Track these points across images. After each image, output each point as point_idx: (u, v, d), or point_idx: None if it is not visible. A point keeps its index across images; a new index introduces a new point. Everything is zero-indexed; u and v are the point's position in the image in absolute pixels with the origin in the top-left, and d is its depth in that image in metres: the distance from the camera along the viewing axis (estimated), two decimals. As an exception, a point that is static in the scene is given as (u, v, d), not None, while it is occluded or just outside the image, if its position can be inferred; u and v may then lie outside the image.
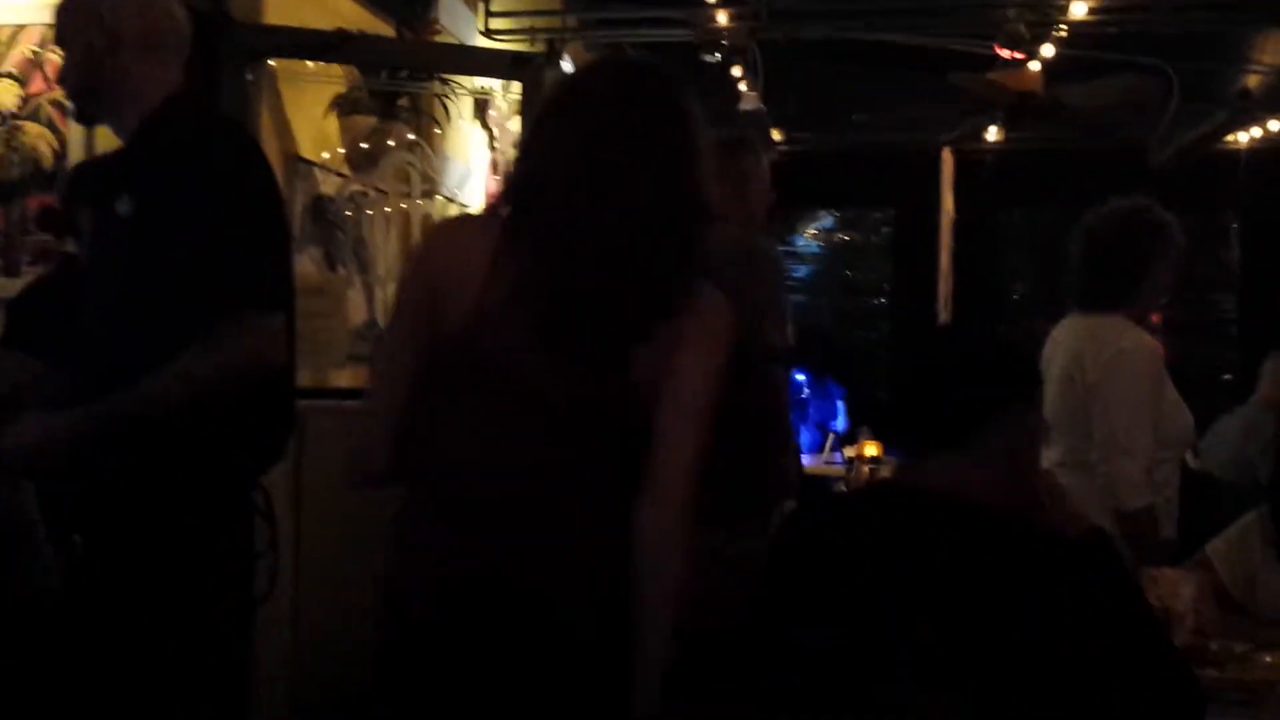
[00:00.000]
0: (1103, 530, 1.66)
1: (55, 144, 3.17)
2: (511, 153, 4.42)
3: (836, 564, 1.55)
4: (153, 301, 1.84)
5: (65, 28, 1.98)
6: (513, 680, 1.52)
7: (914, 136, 7.07)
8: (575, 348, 1.49)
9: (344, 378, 3.56)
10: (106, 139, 2.27)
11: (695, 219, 1.54)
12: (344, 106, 3.98)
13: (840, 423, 6.32)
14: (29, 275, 3.08)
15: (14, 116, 3.19)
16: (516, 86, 4.08)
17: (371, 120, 3.98)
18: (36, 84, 3.18)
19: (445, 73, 4.31)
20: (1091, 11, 4.91)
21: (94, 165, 2.91)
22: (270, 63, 3.67)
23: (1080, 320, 2.74)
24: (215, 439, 1.84)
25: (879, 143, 6.88)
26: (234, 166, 1.88)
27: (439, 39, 4.58)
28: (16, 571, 2.54)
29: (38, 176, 3.18)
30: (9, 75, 3.19)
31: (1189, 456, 3.59)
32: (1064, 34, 5.07)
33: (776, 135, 6.03)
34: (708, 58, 5.36)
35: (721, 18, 5.22)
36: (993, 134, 6.85)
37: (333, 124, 4.01)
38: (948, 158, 7.60)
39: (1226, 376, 7.57)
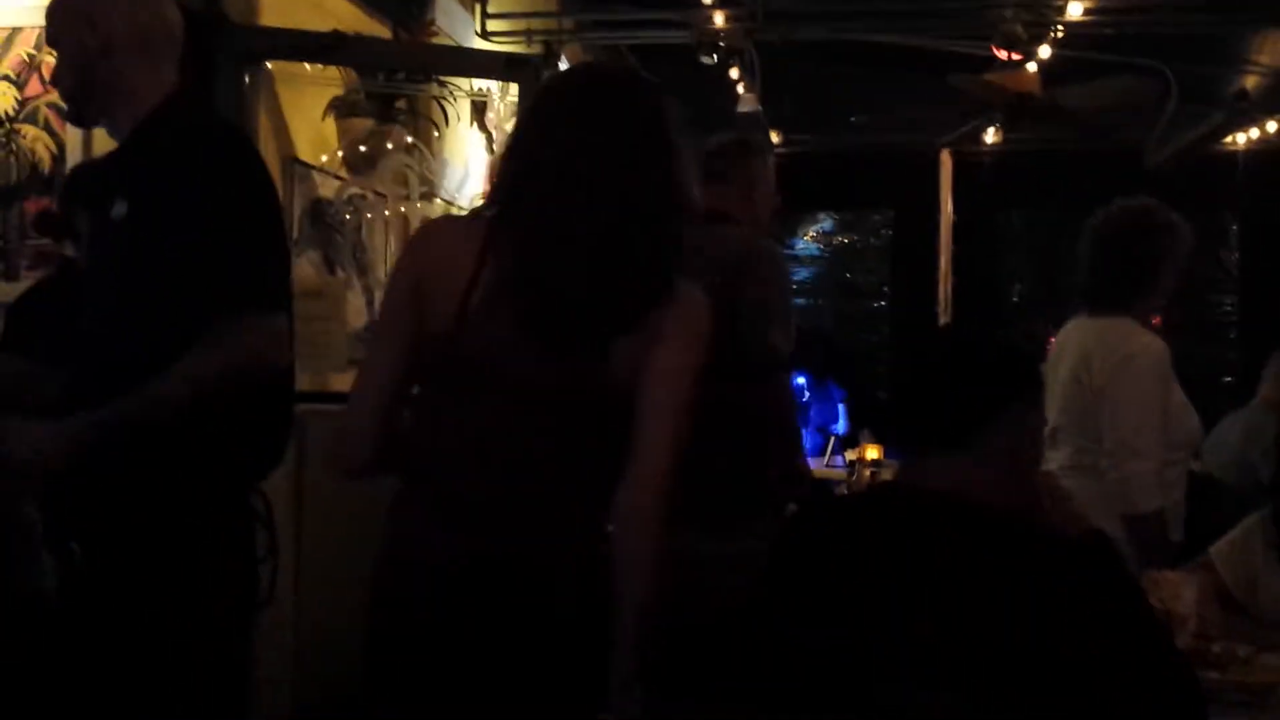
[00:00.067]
0: (1103, 531, 1.66)
1: (53, 147, 3.17)
2: (507, 155, 4.41)
3: (837, 564, 1.55)
4: (150, 304, 1.83)
5: (56, 29, 1.98)
6: (505, 665, 1.57)
7: (912, 138, 7.07)
8: (558, 342, 1.55)
9: (344, 381, 3.55)
10: (104, 142, 2.26)
11: (673, 217, 1.60)
12: (341, 109, 3.98)
13: (841, 425, 6.31)
14: (28, 279, 3.07)
15: (11, 120, 3.18)
16: (514, 88, 4.07)
17: (369, 123, 3.98)
18: (33, 87, 3.17)
19: (442, 74, 4.30)
20: (1088, 12, 4.91)
21: (90, 168, 2.90)
22: (267, 65, 3.67)
23: (1088, 322, 2.73)
24: (215, 441, 1.84)
25: (877, 144, 6.89)
26: (229, 167, 1.88)
27: (435, 41, 4.57)
28: (14, 571, 2.53)
29: (36, 180, 3.17)
30: (5, 78, 3.19)
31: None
32: (1061, 35, 5.08)
33: (774, 137, 6.04)
34: (705, 59, 5.36)
35: (718, 19, 5.22)
36: (991, 135, 6.86)
37: (330, 127, 4.00)
38: (946, 159, 7.60)
39: (1227, 378, 7.57)
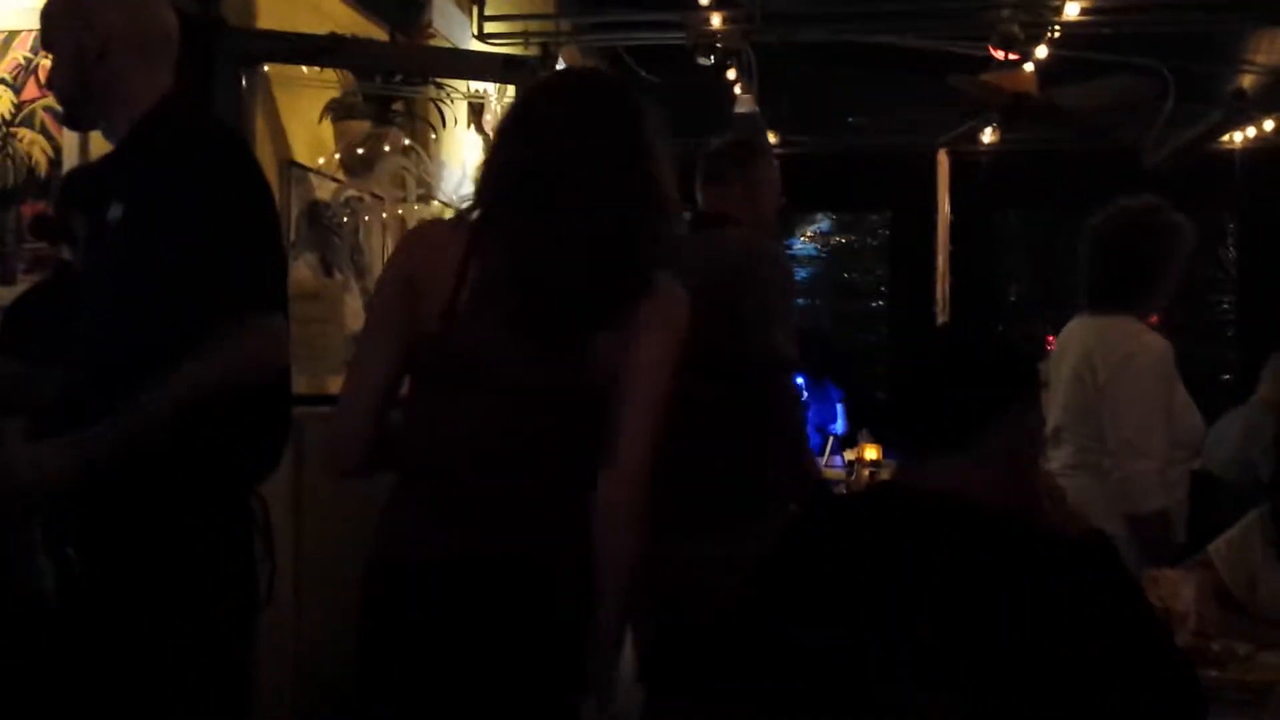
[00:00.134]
0: (1102, 531, 1.66)
1: (50, 151, 3.16)
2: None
3: (836, 565, 1.55)
4: (146, 306, 1.83)
5: (52, 31, 1.97)
6: (500, 663, 1.61)
7: (910, 138, 7.07)
8: (542, 338, 1.60)
9: (341, 384, 3.54)
10: (101, 145, 2.26)
11: (652, 215, 1.64)
12: (339, 111, 3.97)
13: (839, 426, 6.31)
14: (25, 283, 3.07)
15: (7, 123, 3.18)
16: (511, 90, 4.07)
17: (366, 125, 3.98)
18: (30, 90, 3.17)
19: (439, 76, 4.30)
20: (1085, 12, 4.91)
21: (86, 171, 2.90)
22: (264, 68, 3.67)
23: (1090, 321, 2.73)
24: (213, 444, 1.83)
25: (875, 145, 6.89)
26: (224, 169, 1.87)
27: (433, 43, 4.57)
28: (13, 573, 2.53)
29: (33, 183, 3.17)
30: (2, 82, 3.18)
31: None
32: (1058, 35, 5.08)
33: (772, 138, 6.03)
34: (702, 61, 5.36)
35: (715, 21, 5.22)
36: (988, 136, 6.86)
37: (327, 129, 4.00)
38: (944, 159, 7.60)
39: (1225, 377, 7.58)
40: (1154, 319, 2.77)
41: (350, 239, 4.10)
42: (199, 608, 1.83)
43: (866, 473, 4.47)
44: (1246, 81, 6.13)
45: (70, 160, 3.11)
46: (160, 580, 1.81)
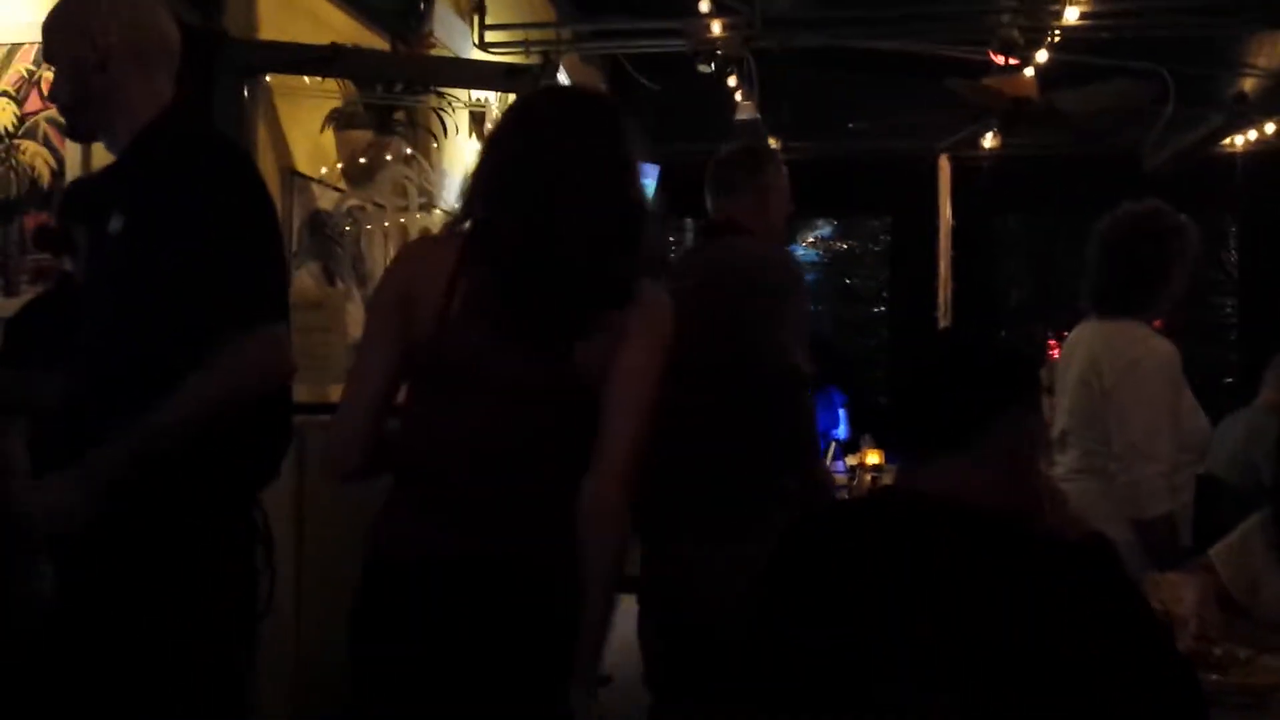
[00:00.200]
0: (1103, 534, 1.66)
1: (53, 162, 3.17)
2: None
3: (837, 567, 1.55)
4: (148, 316, 1.83)
5: (54, 44, 1.98)
6: (498, 661, 1.67)
7: (911, 143, 7.08)
8: (529, 342, 1.67)
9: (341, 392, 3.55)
10: (103, 156, 2.27)
11: (632, 226, 1.73)
12: (340, 121, 3.99)
13: (842, 430, 6.31)
14: (28, 294, 3.08)
15: (10, 135, 3.19)
16: (512, 99, 4.08)
17: (368, 135, 3.99)
18: (33, 102, 3.18)
19: (440, 85, 4.31)
20: (1085, 16, 4.92)
21: (88, 182, 2.91)
22: (265, 78, 3.68)
23: (1097, 325, 2.73)
24: (214, 453, 1.84)
25: (876, 150, 6.90)
26: (225, 179, 1.88)
27: (433, 52, 4.59)
28: (12, 578, 2.53)
29: (35, 195, 3.18)
30: (5, 94, 3.20)
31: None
32: (1058, 39, 5.08)
33: (773, 144, 6.04)
34: (702, 68, 5.37)
35: (716, 28, 5.23)
36: (989, 140, 6.86)
37: (329, 139, 4.01)
38: (945, 164, 7.61)
39: (1227, 379, 7.57)
40: (1157, 323, 2.77)
41: (352, 248, 4.11)
42: (198, 616, 1.83)
43: (869, 478, 4.47)
44: (1247, 85, 6.13)
45: (73, 172, 3.13)
46: (159, 588, 1.81)
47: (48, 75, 3.06)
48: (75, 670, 1.85)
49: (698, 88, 5.68)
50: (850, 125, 6.48)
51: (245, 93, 3.52)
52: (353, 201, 4.07)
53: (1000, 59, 5.06)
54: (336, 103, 3.99)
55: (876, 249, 11.14)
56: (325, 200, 3.99)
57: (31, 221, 3.16)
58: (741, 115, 5.83)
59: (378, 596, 1.74)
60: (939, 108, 5.65)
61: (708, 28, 5.24)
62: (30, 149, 3.18)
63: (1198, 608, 2.02)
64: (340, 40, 3.76)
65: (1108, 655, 1.43)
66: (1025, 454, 1.60)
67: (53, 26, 1.98)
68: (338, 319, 3.73)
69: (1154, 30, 5.25)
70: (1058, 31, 5.04)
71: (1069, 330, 2.93)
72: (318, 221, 3.97)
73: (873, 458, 4.61)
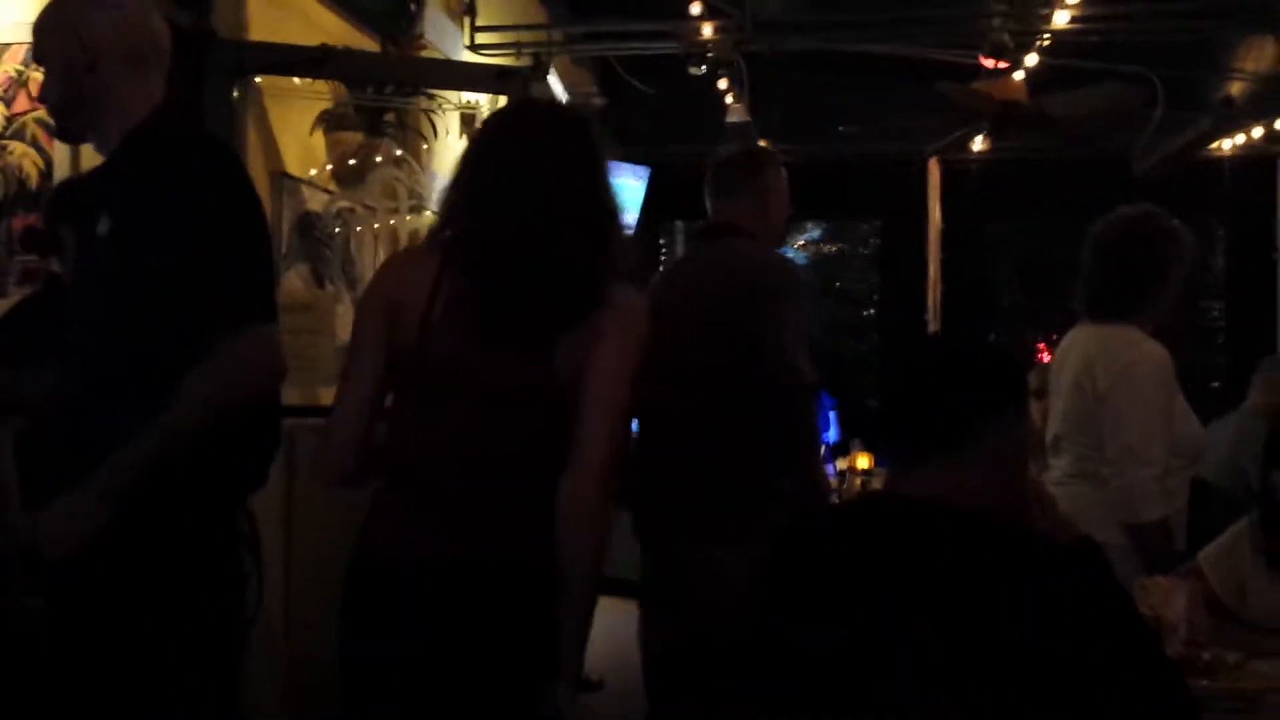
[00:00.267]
0: (1092, 539, 1.66)
1: (41, 163, 3.16)
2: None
3: (829, 570, 1.55)
4: (137, 317, 1.82)
5: (43, 44, 1.97)
6: (486, 660, 1.72)
7: (900, 146, 7.09)
8: (507, 346, 1.74)
9: (332, 395, 3.54)
10: (92, 157, 2.26)
11: (604, 233, 1.79)
12: (330, 123, 3.98)
13: (832, 434, 6.31)
14: (16, 296, 3.06)
15: (-1, 136, 3.18)
16: (503, 101, 4.08)
17: (358, 136, 3.98)
18: (21, 103, 3.17)
19: (431, 87, 4.31)
20: (1074, 20, 4.93)
21: (76, 183, 2.90)
22: (255, 79, 3.67)
23: (1091, 330, 2.73)
24: (203, 458, 1.82)
25: (865, 153, 6.90)
26: (213, 180, 1.87)
27: (424, 54, 4.58)
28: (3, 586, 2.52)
29: (24, 196, 3.16)
30: (-7, 94, 3.18)
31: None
32: (1048, 43, 5.10)
33: (763, 146, 6.05)
34: (693, 70, 5.37)
35: (707, 30, 5.24)
36: (979, 143, 6.88)
37: (319, 140, 4.00)
38: (934, 168, 7.63)
39: (1215, 383, 7.60)
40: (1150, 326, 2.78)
41: (342, 250, 4.10)
42: (187, 621, 1.82)
43: (858, 481, 4.47)
44: (1235, 89, 6.16)
45: (61, 173, 3.11)
46: (148, 593, 1.80)
47: (36, 76, 3.05)
48: (63, 676, 1.84)
49: (689, 90, 5.68)
50: (840, 128, 6.48)
51: (235, 93, 3.51)
52: (342, 203, 4.06)
53: (990, 63, 5.07)
54: (326, 104, 3.98)
55: (866, 252, 11.17)
56: (315, 202, 3.98)
57: (19, 223, 3.14)
58: (732, 118, 5.84)
59: (368, 597, 1.78)
60: (929, 111, 5.66)
61: (699, 30, 5.24)
62: (18, 150, 3.16)
63: (1187, 613, 2.03)
64: (330, 41, 3.75)
65: (1096, 660, 1.43)
66: (1014, 457, 1.61)
67: (43, 27, 1.97)
68: (327, 321, 3.72)
69: (1143, 34, 5.27)
70: (1047, 35, 5.05)
71: (1058, 333, 2.94)
72: (307, 223, 3.95)
73: (862, 461, 4.62)
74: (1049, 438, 2.81)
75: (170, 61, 2.01)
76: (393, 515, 1.79)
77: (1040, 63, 5.12)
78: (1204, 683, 1.87)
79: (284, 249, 3.78)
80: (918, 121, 6.12)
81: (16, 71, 3.16)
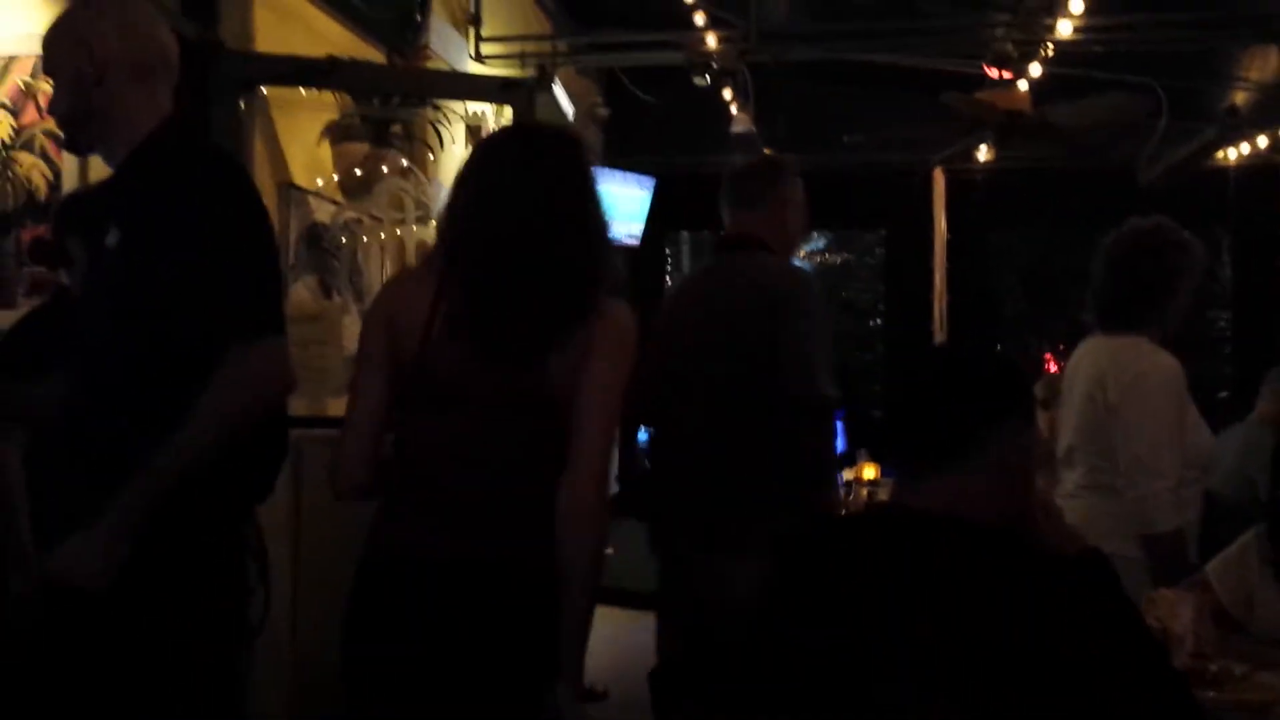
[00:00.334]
0: (1099, 550, 1.66)
1: (49, 174, 3.17)
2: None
3: (833, 583, 1.55)
4: (147, 331, 1.83)
5: (52, 57, 1.98)
6: (483, 649, 1.79)
7: (905, 156, 7.09)
8: (503, 360, 1.82)
9: (340, 406, 3.53)
10: (100, 169, 2.27)
11: (593, 250, 1.88)
12: (337, 133, 3.99)
13: (838, 444, 6.30)
14: (25, 307, 3.07)
15: (7, 147, 3.19)
16: (509, 111, 4.09)
17: (364, 147, 3.99)
18: (29, 114, 3.18)
19: (436, 98, 4.32)
20: (1078, 31, 4.94)
21: (84, 195, 2.91)
22: (262, 90, 3.68)
23: (1102, 341, 2.73)
24: (209, 471, 1.83)
25: (870, 163, 6.90)
26: (221, 192, 1.87)
27: (430, 64, 4.60)
28: (7, 599, 2.52)
29: (32, 208, 3.17)
30: (1, 106, 3.19)
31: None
32: (1052, 53, 5.10)
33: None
34: (698, 81, 5.39)
35: (711, 41, 5.25)
36: (983, 153, 6.88)
37: (326, 151, 4.02)
38: (939, 177, 7.63)
39: (1222, 393, 7.59)
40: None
41: (349, 261, 4.11)
42: (192, 632, 1.82)
43: (865, 492, 4.47)
44: (1239, 98, 6.16)
45: (69, 184, 3.12)
46: (151, 605, 1.80)
47: (44, 87, 3.07)
48: (69, 686, 1.84)
49: (693, 100, 5.69)
50: (845, 138, 6.49)
51: (241, 105, 3.53)
52: (349, 214, 4.07)
53: (994, 72, 5.08)
54: (333, 115, 3.99)
55: (871, 262, 11.17)
56: (322, 213, 3.99)
57: (27, 234, 3.16)
58: (737, 128, 5.85)
59: (374, 596, 1.86)
60: (933, 121, 5.66)
61: (703, 41, 5.25)
62: (27, 161, 3.18)
63: (1194, 624, 2.02)
64: (337, 53, 3.76)
65: (1104, 671, 1.43)
66: (1020, 467, 1.61)
67: (53, 40, 1.98)
68: (334, 332, 3.72)
69: (1147, 44, 5.28)
70: (1051, 45, 5.06)
71: (1064, 343, 2.95)
72: (314, 234, 3.97)
73: (869, 472, 4.61)
74: (1061, 449, 2.81)
75: (178, 73, 2.02)
76: (399, 517, 1.88)
77: (1044, 73, 5.13)
78: (1211, 694, 1.86)
79: (291, 260, 3.79)
80: (922, 131, 6.12)
81: (24, 83, 3.18)
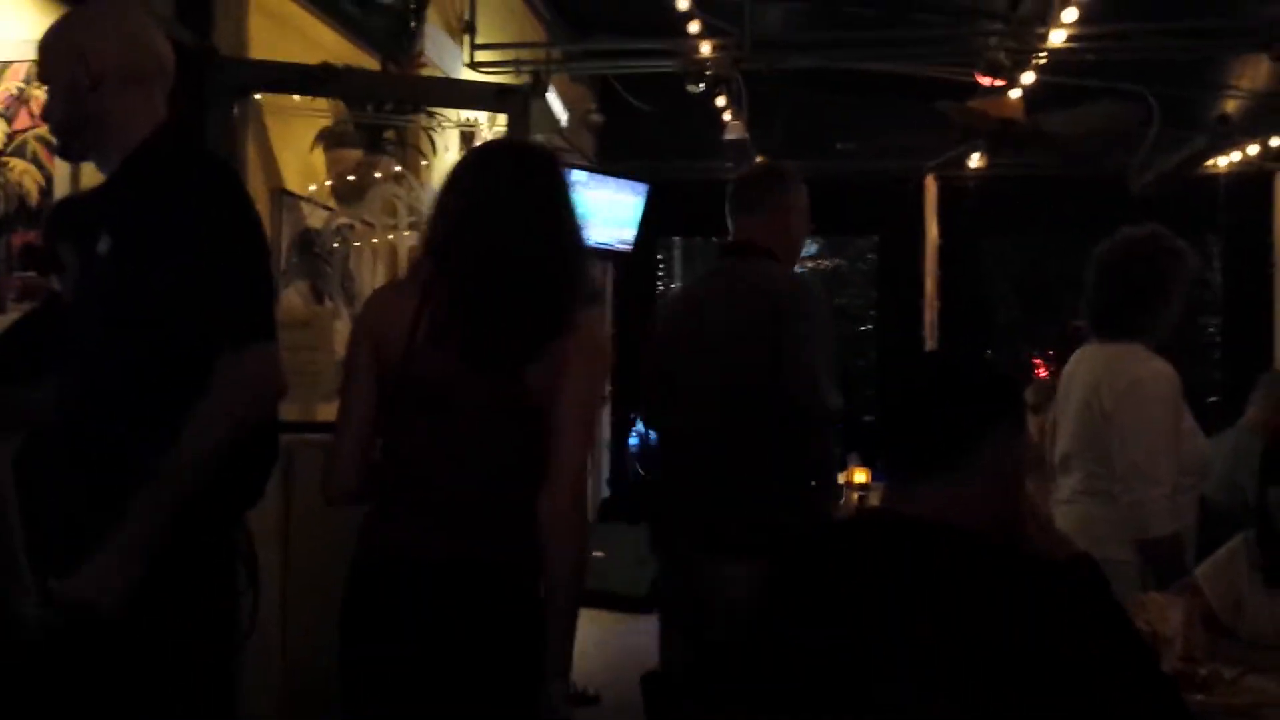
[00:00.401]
0: (1089, 555, 1.67)
1: (41, 180, 3.17)
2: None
3: (828, 588, 1.56)
4: (139, 337, 1.83)
5: (47, 64, 1.98)
6: (472, 647, 1.85)
7: (898, 163, 7.11)
8: (482, 369, 1.89)
9: (331, 411, 3.53)
10: (92, 175, 2.27)
11: (568, 264, 1.95)
12: (330, 140, 3.99)
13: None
14: (15, 312, 3.07)
15: (0, 153, 3.19)
16: (502, 118, 4.10)
17: (358, 153, 3.99)
18: (22, 120, 3.18)
19: (431, 105, 4.33)
20: (1071, 39, 4.96)
21: (76, 201, 2.91)
22: (256, 96, 3.68)
23: (1097, 349, 2.74)
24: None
25: (863, 170, 6.92)
26: (213, 199, 1.88)
27: (424, 72, 4.60)
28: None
29: (24, 213, 3.17)
30: (-6, 112, 3.20)
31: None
32: (1044, 61, 5.13)
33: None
34: (692, 88, 5.40)
35: (705, 48, 5.26)
36: (976, 161, 6.90)
37: (319, 157, 4.02)
38: (932, 184, 7.65)
39: (1212, 399, 7.61)
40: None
41: (341, 267, 4.11)
42: (178, 637, 1.82)
43: (856, 496, 4.48)
44: (1230, 106, 6.19)
45: (61, 190, 3.12)
46: (139, 610, 1.79)
47: (37, 93, 3.07)
48: (59, 691, 1.84)
49: (687, 108, 5.71)
50: (838, 145, 6.51)
51: (235, 111, 3.53)
52: (342, 220, 4.07)
53: (987, 81, 5.10)
54: (326, 121, 4.00)
55: (864, 268, 11.19)
56: (315, 218, 4.00)
57: (19, 240, 3.15)
58: (730, 135, 5.86)
59: (368, 596, 1.92)
60: (926, 129, 5.68)
61: (697, 48, 5.27)
62: (19, 167, 3.18)
63: (1183, 628, 2.03)
64: (331, 59, 3.76)
65: (1094, 675, 1.43)
66: (1011, 473, 1.61)
67: (48, 47, 1.98)
68: (326, 337, 3.73)
69: (1139, 53, 5.30)
70: (1044, 54, 5.08)
71: (1055, 349, 2.96)
72: (307, 240, 3.97)
73: (860, 476, 4.62)
74: (1058, 456, 2.82)
75: (173, 80, 2.02)
76: (392, 517, 1.94)
77: (1037, 81, 5.15)
78: (1200, 698, 1.87)
79: (283, 265, 3.79)
80: (915, 139, 6.15)
81: (18, 89, 3.18)
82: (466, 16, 5.36)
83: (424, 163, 4.40)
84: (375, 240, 4.15)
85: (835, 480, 2.91)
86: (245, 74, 3.54)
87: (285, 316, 3.25)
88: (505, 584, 1.88)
